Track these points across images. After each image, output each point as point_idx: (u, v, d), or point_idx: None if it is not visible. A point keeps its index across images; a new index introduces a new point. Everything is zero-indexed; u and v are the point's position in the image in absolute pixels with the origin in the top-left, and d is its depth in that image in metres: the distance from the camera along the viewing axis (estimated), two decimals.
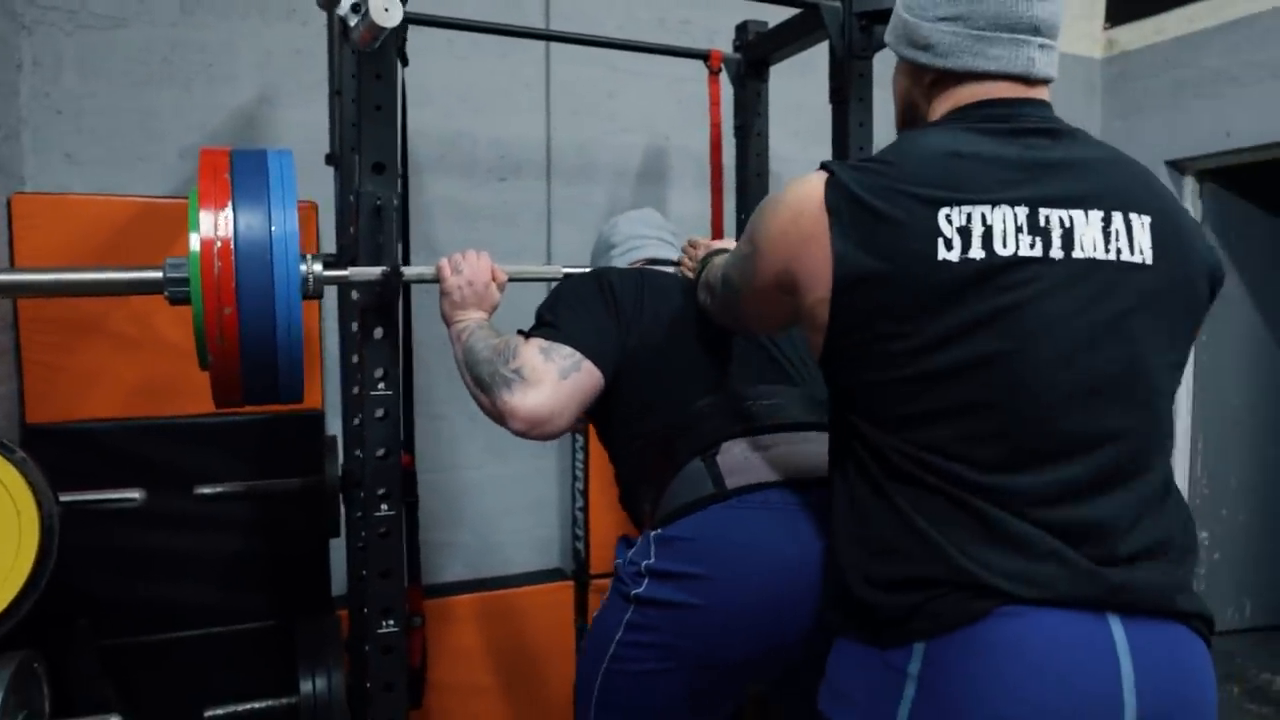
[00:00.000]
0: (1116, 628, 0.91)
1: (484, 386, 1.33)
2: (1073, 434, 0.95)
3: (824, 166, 1.02)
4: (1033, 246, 0.95)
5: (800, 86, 2.62)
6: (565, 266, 1.64)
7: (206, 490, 1.89)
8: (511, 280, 1.55)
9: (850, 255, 0.96)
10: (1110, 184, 1.01)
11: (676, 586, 1.22)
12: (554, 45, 2.64)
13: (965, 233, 0.94)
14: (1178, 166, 3.48)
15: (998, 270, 0.94)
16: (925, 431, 0.96)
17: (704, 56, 2.29)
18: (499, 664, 2.47)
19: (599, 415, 1.48)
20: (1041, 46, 1.05)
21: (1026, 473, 0.94)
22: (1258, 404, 3.64)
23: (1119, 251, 0.98)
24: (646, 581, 1.25)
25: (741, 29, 2.33)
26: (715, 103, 2.26)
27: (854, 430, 1.03)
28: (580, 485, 2.72)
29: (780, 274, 1.04)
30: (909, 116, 1.16)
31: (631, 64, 2.71)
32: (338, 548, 2.16)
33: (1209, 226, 3.52)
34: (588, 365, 1.34)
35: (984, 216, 0.95)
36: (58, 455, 1.90)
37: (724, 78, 2.30)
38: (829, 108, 1.95)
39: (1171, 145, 3.43)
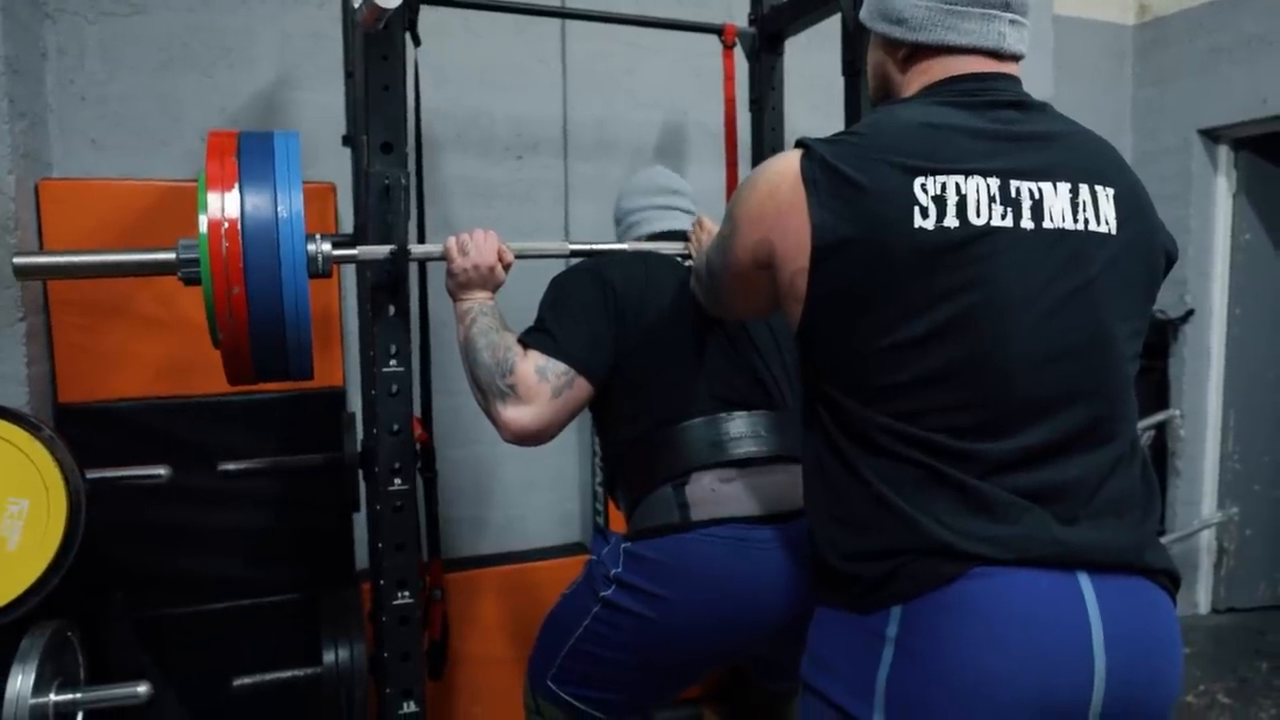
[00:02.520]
0: (1085, 584, 0.94)
1: (481, 389, 1.41)
2: (1043, 399, 0.98)
3: (799, 143, 1.05)
4: (1004, 217, 0.98)
5: (819, 60, 2.59)
6: (573, 243, 1.65)
7: (230, 467, 1.93)
8: (520, 258, 1.56)
9: (828, 224, 0.98)
10: (1077, 157, 1.04)
11: (639, 601, 1.37)
12: (570, 22, 2.64)
13: (940, 201, 0.97)
14: (1211, 135, 3.39)
15: (972, 239, 0.97)
16: (902, 401, 0.98)
17: (718, 31, 2.27)
18: (520, 636, 2.51)
19: (594, 407, 1.55)
20: (1012, 22, 1.08)
21: (1000, 438, 0.97)
22: None
23: (1086, 222, 1.01)
24: (614, 588, 1.40)
25: (756, 3, 2.31)
26: (730, 77, 2.25)
27: (828, 403, 1.05)
28: (600, 461, 2.75)
29: (757, 248, 1.06)
30: (883, 91, 1.18)
31: (648, 39, 2.70)
32: (361, 522, 2.20)
33: (1243, 196, 3.44)
34: (580, 380, 1.41)
35: (958, 186, 0.97)
36: (88, 434, 1.98)
37: (739, 53, 2.29)
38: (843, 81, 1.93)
39: (1205, 113, 3.34)
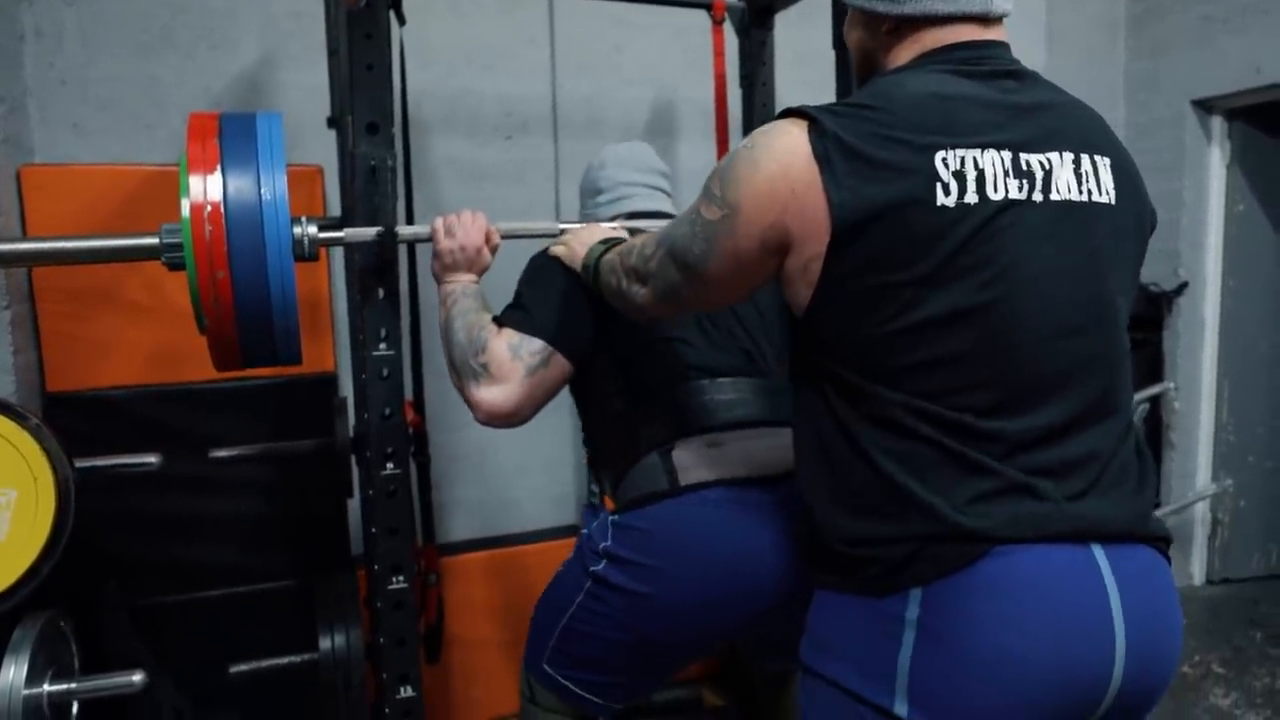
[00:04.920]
0: (1100, 555, 0.95)
1: (455, 369, 1.38)
2: (1058, 374, 0.97)
3: (797, 113, 0.99)
4: (1020, 190, 0.96)
5: (809, 35, 2.56)
6: (564, 223, 1.63)
7: (222, 454, 1.92)
8: (507, 238, 1.54)
9: (848, 204, 0.93)
10: (1074, 126, 1.03)
11: (630, 574, 1.33)
12: (558, 1, 2.60)
13: (960, 177, 0.94)
14: (1205, 106, 3.37)
15: (992, 215, 0.94)
16: (923, 380, 0.96)
17: (707, 6, 2.25)
18: (515, 619, 2.51)
19: (573, 385, 1.51)
20: None
21: (1018, 415, 0.96)
22: None
23: (1090, 193, 1.00)
24: (604, 563, 1.36)
25: None
26: (719, 53, 2.23)
27: (837, 383, 1.02)
28: (584, 440, 2.74)
29: (767, 232, 0.99)
30: (866, 68, 1.15)
31: (637, 16, 2.67)
32: (355, 507, 2.20)
33: (1237, 167, 3.42)
34: (557, 359, 1.37)
35: (975, 160, 0.95)
36: (77, 422, 1.97)
37: (729, 29, 2.26)
38: (833, 56, 1.91)
39: (1199, 84, 3.31)
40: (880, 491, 0.97)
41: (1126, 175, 1.05)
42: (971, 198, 0.93)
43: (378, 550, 1.60)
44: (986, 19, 1.06)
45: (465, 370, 1.36)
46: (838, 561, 1.01)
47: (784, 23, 2.29)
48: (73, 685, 1.45)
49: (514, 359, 1.34)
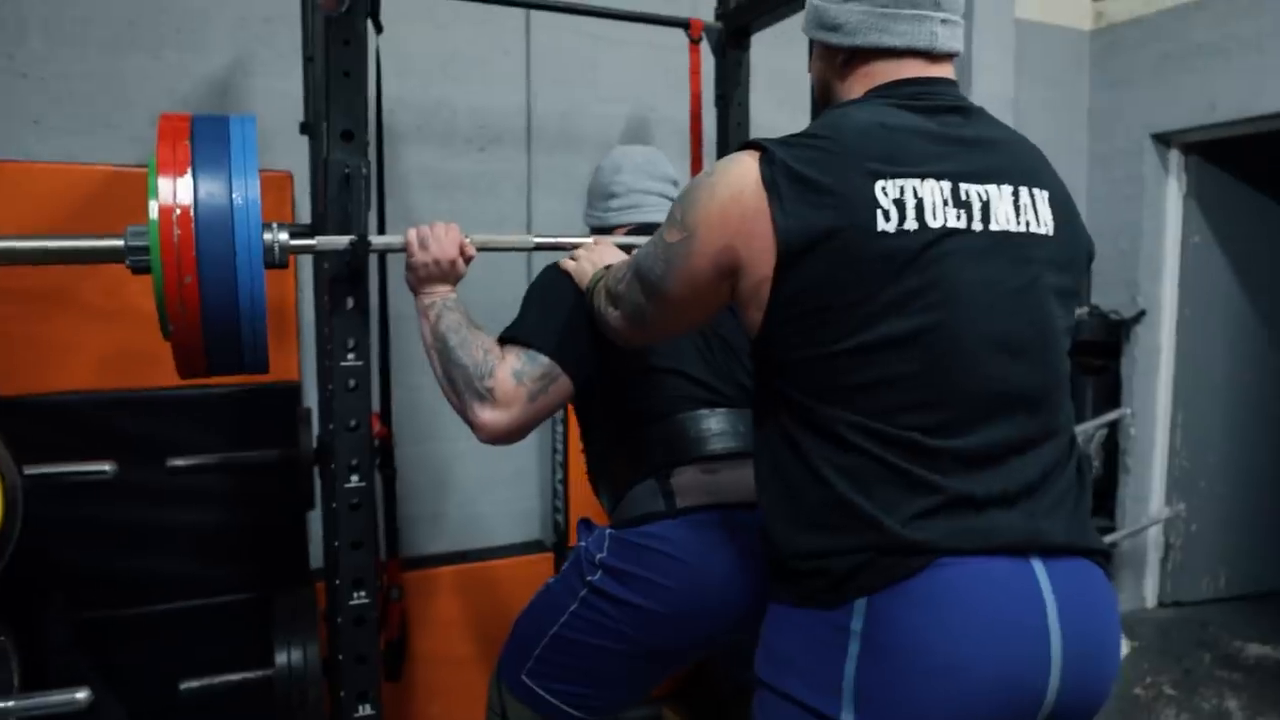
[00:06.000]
0: (1039, 568, 0.99)
1: (455, 389, 1.38)
2: (999, 396, 1.01)
3: (753, 144, 1.04)
4: (958, 219, 1.00)
5: (785, 55, 2.59)
6: (537, 236, 1.61)
7: (180, 463, 1.87)
8: (482, 251, 1.53)
9: (793, 230, 0.98)
10: (1015, 160, 1.08)
11: (626, 586, 1.38)
12: (534, 14, 2.60)
13: (900, 205, 0.98)
14: (1163, 139, 3.47)
15: (930, 242, 0.99)
16: (871, 399, 1.00)
17: (684, 25, 2.26)
18: (480, 635, 2.48)
19: (577, 404, 1.55)
20: (944, 21, 1.11)
21: (962, 435, 1.00)
22: (1238, 377, 3.66)
23: (1028, 224, 1.05)
24: (601, 574, 1.40)
25: None
26: (695, 72, 2.24)
27: (789, 404, 1.05)
28: (560, 458, 2.71)
29: (719, 255, 1.04)
30: (825, 97, 1.20)
31: (613, 33, 2.67)
32: (316, 520, 2.15)
33: (1193, 199, 3.52)
34: (562, 380, 1.39)
35: (915, 189, 0.99)
36: (28, 428, 1.89)
37: (705, 48, 2.27)
38: (809, 78, 1.93)
39: (1158, 118, 3.42)
40: (829, 507, 1.01)
41: (1064, 208, 1.09)
42: (911, 224, 0.98)
43: (340, 564, 1.57)
44: (932, 55, 1.11)
45: (468, 392, 1.36)
46: (789, 575, 1.04)
47: (759, 44, 2.31)
48: (10, 704, 1.39)
49: (518, 384, 1.35)
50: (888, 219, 0.97)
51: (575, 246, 1.57)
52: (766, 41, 2.32)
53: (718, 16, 2.31)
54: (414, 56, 2.47)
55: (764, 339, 1.05)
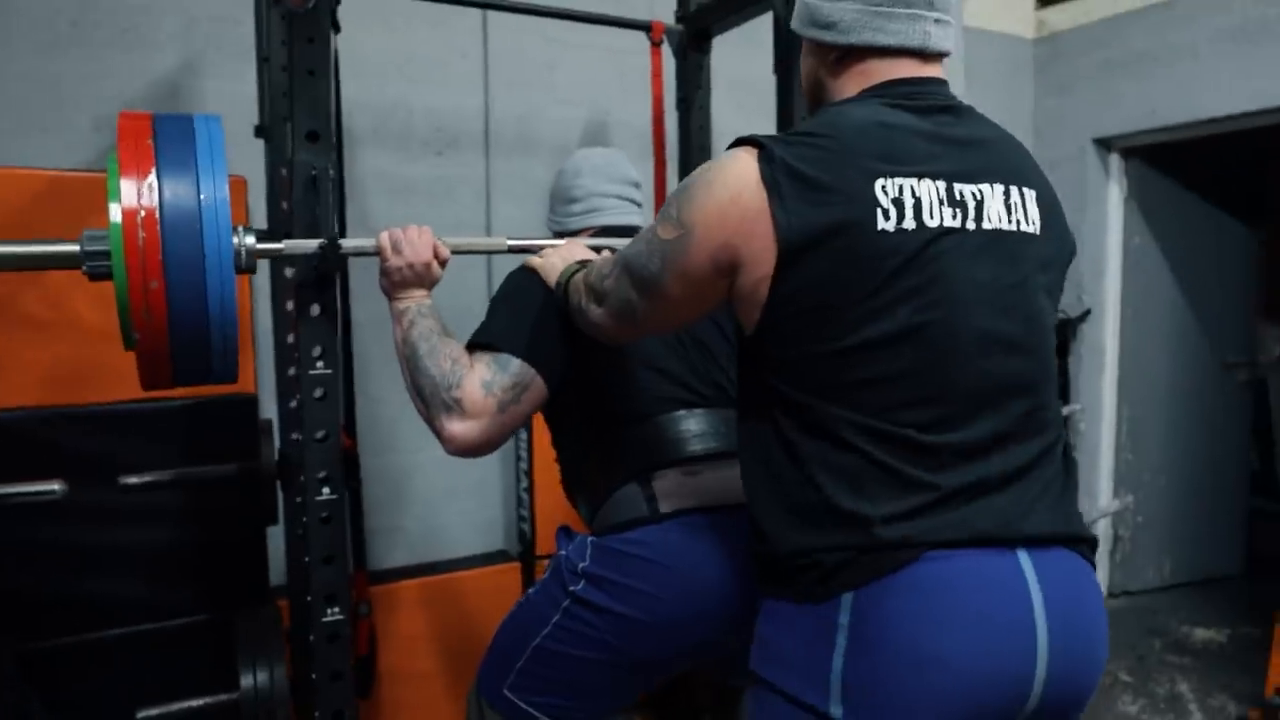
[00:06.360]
0: (1024, 560, 1.00)
1: (423, 398, 1.35)
2: (992, 392, 1.03)
3: (748, 141, 1.03)
4: (954, 218, 1.02)
5: (745, 59, 2.59)
6: (510, 239, 1.59)
7: (133, 480, 1.79)
8: (456, 253, 1.49)
9: (794, 228, 0.98)
10: (1004, 160, 1.09)
11: (610, 594, 1.35)
12: (491, 16, 2.57)
13: (899, 204, 0.99)
14: (1105, 144, 3.58)
15: (928, 241, 1.00)
16: (869, 397, 1.00)
17: (645, 28, 2.25)
18: (447, 649, 2.42)
19: (547, 410, 1.50)
20: (937, 21, 1.11)
21: (955, 430, 1.01)
22: (1178, 374, 3.79)
23: (1019, 223, 1.06)
24: (583, 583, 1.37)
25: (683, 0, 2.30)
26: (657, 75, 2.23)
27: (782, 403, 1.05)
28: (524, 465, 2.68)
29: (718, 253, 1.03)
30: (816, 97, 1.20)
31: (571, 36, 2.65)
32: (275, 535, 2.08)
33: (1133, 202, 3.64)
34: (536, 384, 1.36)
35: (913, 189, 1.00)
36: None
37: (665, 50, 2.27)
38: (771, 80, 1.94)
39: (1100, 123, 3.52)
40: (821, 504, 1.01)
41: (1050, 208, 1.11)
42: (909, 224, 0.99)
43: (311, 580, 1.51)
44: (925, 54, 1.12)
45: (436, 403, 1.32)
46: (782, 571, 1.04)
47: (719, 47, 2.31)
48: None
49: (487, 395, 1.31)
50: (887, 218, 0.98)
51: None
52: (725, 46, 2.33)
53: (678, 19, 2.31)
54: (368, 58, 2.42)
55: (759, 336, 1.05)
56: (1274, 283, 4.15)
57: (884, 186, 0.99)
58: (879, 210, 0.98)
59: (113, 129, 1.39)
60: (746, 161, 1.01)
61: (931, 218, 1.00)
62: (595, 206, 1.67)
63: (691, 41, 2.28)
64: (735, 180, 1.01)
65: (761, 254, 0.99)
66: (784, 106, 1.93)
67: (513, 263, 1.54)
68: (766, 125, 1.71)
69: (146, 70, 2.17)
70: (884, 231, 0.98)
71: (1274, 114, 3.01)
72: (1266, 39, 2.95)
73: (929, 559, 0.97)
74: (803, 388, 1.03)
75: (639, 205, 1.73)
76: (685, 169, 2.32)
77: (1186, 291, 3.76)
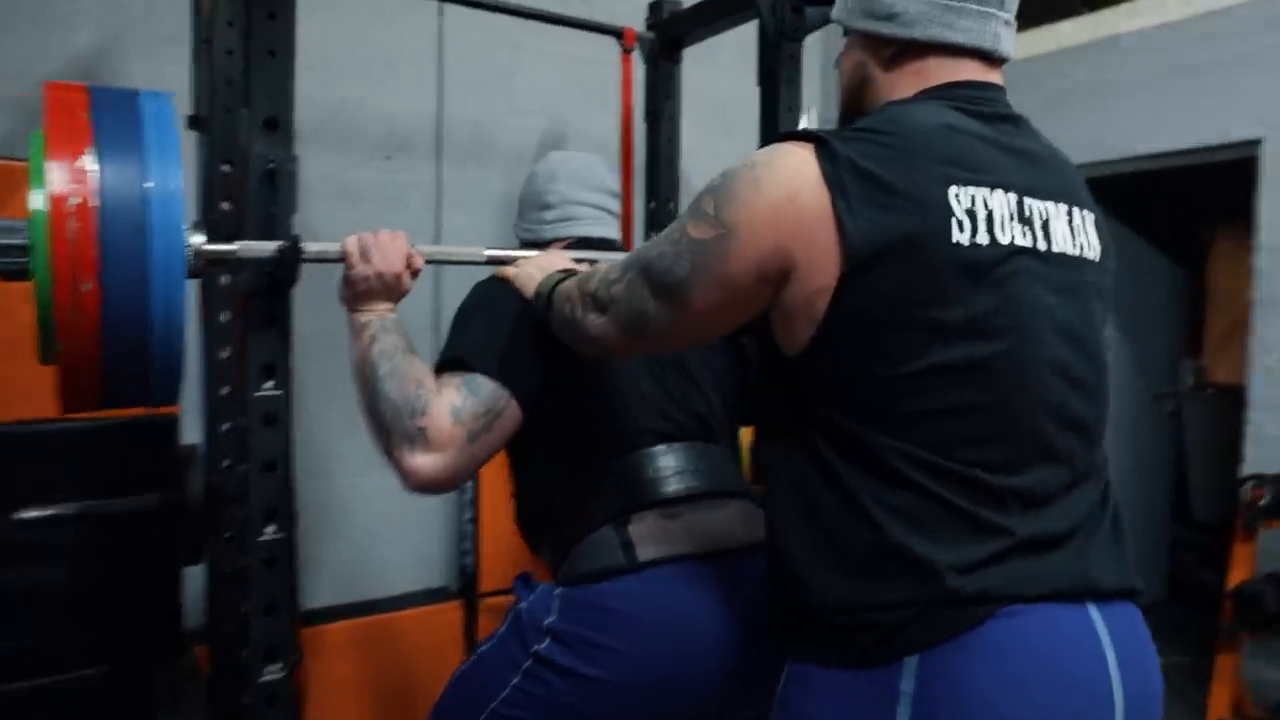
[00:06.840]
0: (1095, 613, 0.92)
1: (383, 426, 1.18)
2: (1059, 431, 0.94)
3: (801, 136, 0.92)
4: (1024, 236, 0.93)
5: (704, 74, 2.51)
6: (489, 249, 1.43)
7: (32, 514, 1.55)
8: (430, 263, 1.34)
9: (864, 233, 0.86)
10: (1064, 178, 1.02)
11: (579, 654, 1.20)
12: (448, 12, 2.41)
13: (972, 215, 0.90)
14: None
15: (1001, 259, 0.91)
16: (932, 430, 0.89)
17: (617, 34, 2.14)
18: (382, 698, 2.22)
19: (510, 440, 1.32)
20: (1006, 23, 1.03)
21: (1021, 472, 0.92)
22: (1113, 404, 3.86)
23: (1081, 247, 0.99)
24: (548, 641, 1.22)
25: (655, 7, 2.20)
26: (627, 83, 2.12)
27: (827, 432, 0.93)
28: (469, 496, 2.51)
29: (767, 258, 0.90)
30: (858, 97, 1.08)
31: (531, 41, 2.53)
32: (193, 575, 1.85)
33: None
34: (510, 409, 1.21)
35: (985, 200, 0.91)
36: None
37: (636, 60, 2.16)
38: (732, 96, 1.85)
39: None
40: (876, 550, 0.89)
41: (1104, 233, 1.05)
42: (983, 238, 0.89)
43: (251, 632, 1.32)
44: (991, 57, 1.02)
45: (397, 432, 1.15)
46: (822, 630, 0.92)
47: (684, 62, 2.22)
48: None
49: (455, 423, 1.15)
50: (961, 229, 0.88)
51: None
52: (689, 60, 2.23)
53: (649, 27, 2.21)
54: (312, 49, 2.21)
55: (810, 356, 0.92)
56: (1195, 318, 4.30)
57: (957, 194, 0.88)
58: (954, 220, 0.87)
59: (14, 111, 1.19)
60: (803, 157, 0.89)
61: (1004, 233, 0.90)
62: (571, 215, 1.52)
63: (663, 50, 2.19)
64: (791, 177, 0.89)
65: (821, 262, 0.88)
66: (768, 118, 1.84)
67: (464, 275, 1.38)
68: (728, 143, 1.61)
69: (62, 48, 1.96)
70: (958, 244, 0.87)
71: (1208, 152, 3.10)
72: (1204, 80, 3.05)
73: (1006, 615, 0.87)
74: (857, 416, 0.91)
75: (616, 217, 1.60)
76: (652, 182, 2.21)
77: (1119, 325, 3.85)
